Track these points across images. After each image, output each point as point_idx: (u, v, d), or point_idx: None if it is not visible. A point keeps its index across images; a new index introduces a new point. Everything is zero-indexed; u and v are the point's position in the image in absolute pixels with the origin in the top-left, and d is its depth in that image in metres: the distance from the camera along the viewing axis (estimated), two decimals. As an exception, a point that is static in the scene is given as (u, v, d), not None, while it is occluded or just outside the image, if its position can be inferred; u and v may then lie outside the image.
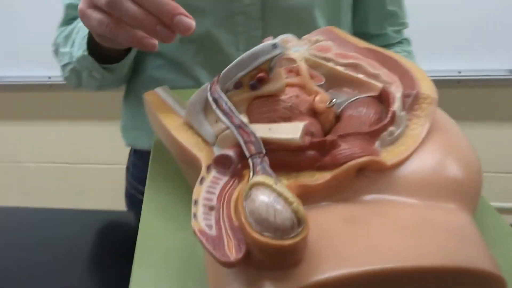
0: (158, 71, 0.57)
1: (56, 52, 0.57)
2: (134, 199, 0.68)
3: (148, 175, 0.38)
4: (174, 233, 0.32)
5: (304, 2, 0.53)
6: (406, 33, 0.63)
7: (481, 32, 1.19)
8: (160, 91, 0.39)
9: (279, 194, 0.22)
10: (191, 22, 0.31)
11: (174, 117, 0.34)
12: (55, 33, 0.58)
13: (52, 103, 1.52)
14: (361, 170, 0.27)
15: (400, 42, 0.62)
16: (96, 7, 0.33)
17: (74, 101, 1.51)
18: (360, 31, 0.60)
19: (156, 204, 0.35)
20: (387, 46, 0.60)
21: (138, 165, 0.65)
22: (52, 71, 1.42)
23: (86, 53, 0.48)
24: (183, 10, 0.31)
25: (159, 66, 0.57)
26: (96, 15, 0.33)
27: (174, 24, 0.31)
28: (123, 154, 1.50)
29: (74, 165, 1.60)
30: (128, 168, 0.69)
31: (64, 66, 0.55)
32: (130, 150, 0.68)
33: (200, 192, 0.25)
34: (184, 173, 0.37)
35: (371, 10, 0.59)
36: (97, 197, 1.58)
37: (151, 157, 0.41)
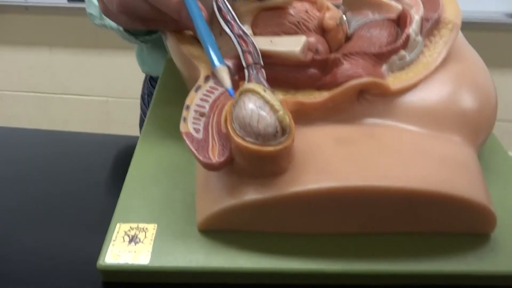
0: None
1: None
2: None
3: (155, 92, 0.38)
4: (172, 145, 0.32)
5: None
6: None
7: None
8: None
9: (266, 102, 0.21)
10: None
11: (184, 32, 0.34)
12: None
13: (28, 27, 1.32)
14: (363, 93, 0.26)
15: None
16: None
17: (52, 26, 1.30)
18: None
19: (159, 118, 0.35)
20: None
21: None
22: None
23: (120, 28, 0.42)
24: None
25: None
26: None
27: None
28: (104, 84, 1.43)
29: (53, 95, 1.45)
30: (142, 96, 0.67)
31: (90, 14, 0.49)
32: (145, 78, 0.67)
33: (194, 99, 0.25)
34: (189, 90, 0.36)
35: None
36: (75, 128, 1.48)
37: (161, 74, 0.41)
